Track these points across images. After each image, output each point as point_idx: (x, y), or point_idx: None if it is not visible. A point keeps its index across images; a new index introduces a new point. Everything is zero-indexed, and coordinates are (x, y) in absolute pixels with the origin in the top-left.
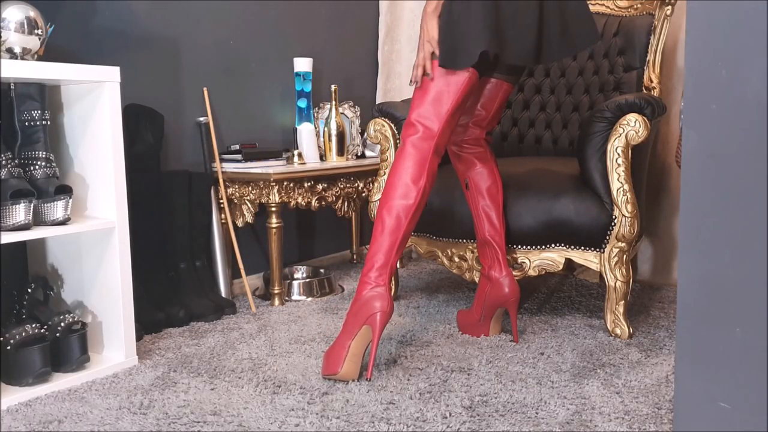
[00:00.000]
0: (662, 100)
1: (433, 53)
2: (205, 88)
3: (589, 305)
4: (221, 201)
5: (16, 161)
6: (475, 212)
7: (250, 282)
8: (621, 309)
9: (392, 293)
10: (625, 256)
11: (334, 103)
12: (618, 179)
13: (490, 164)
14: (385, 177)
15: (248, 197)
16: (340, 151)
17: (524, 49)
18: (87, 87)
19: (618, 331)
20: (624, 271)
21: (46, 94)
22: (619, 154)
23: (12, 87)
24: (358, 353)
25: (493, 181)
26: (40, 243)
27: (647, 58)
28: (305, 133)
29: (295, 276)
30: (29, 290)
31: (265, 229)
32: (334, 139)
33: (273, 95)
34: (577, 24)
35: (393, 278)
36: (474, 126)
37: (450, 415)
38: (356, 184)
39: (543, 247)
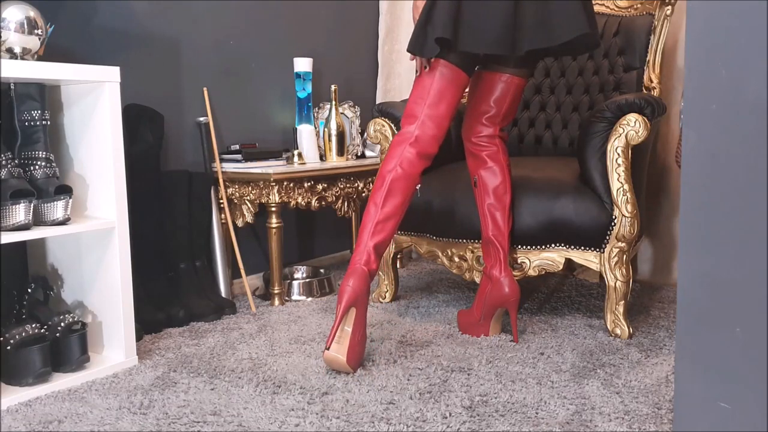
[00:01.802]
0: (662, 100)
1: None
2: (205, 88)
3: (589, 305)
4: (221, 201)
5: (16, 161)
6: (481, 211)
7: (250, 282)
8: (621, 309)
9: (392, 293)
10: (625, 256)
11: (334, 103)
12: (618, 179)
13: (501, 164)
14: None
15: (248, 197)
16: (340, 151)
17: (492, 38)
18: (87, 87)
19: (618, 331)
20: (624, 271)
21: (46, 94)
22: (619, 154)
23: (12, 87)
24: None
25: (501, 181)
26: (40, 243)
27: (647, 58)
28: (305, 133)
29: (295, 276)
30: (29, 290)
31: (265, 229)
32: (334, 139)
33: (273, 95)
34: (560, 15)
35: (393, 278)
36: (488, 123)
37: (450, 415)
38: (356, 184)
39: (543, 247)
